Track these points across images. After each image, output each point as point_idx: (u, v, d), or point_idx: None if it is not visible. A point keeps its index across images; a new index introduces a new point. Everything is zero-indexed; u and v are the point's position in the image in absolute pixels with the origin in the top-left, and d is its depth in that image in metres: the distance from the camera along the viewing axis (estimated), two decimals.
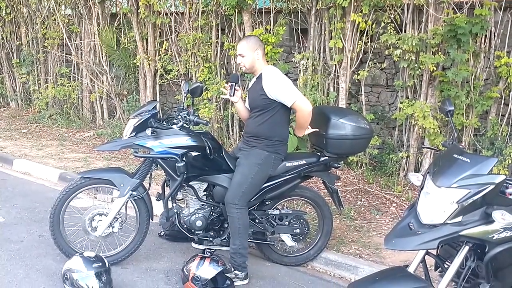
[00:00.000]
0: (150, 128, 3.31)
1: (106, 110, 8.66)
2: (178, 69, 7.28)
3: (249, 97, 3.58)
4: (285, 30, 6.22)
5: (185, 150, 3.35)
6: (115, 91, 8.33)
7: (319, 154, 3.67)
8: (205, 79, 6.89)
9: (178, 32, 7.21)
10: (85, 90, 8.82)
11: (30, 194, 5.23)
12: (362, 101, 5.99)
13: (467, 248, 2.30)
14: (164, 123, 3.50)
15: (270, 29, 6.28)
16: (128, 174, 3.50)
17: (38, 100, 9.28)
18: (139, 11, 7.46)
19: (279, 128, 3.47)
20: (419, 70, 5.26)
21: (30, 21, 9.44)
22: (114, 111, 8.57)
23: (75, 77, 8.92)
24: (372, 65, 5.81)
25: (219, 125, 7.05)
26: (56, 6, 8.77)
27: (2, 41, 9.99)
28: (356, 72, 5.80)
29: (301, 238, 3.79)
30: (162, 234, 4.04)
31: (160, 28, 7.57)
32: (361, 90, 5.96)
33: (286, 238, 3.72)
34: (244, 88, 6.35)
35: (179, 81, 7.46)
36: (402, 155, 5.49)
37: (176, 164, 3.29)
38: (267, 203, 3.68)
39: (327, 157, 3.62)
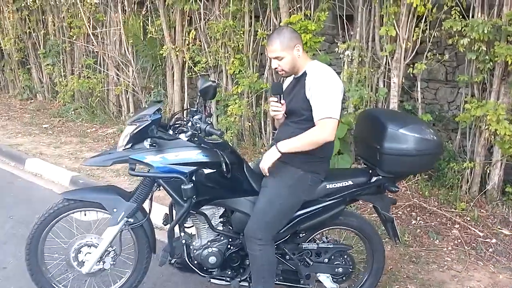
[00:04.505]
0: (149, 139, 2.56)
1: (132, 104, 8.05)
2: (207, 61, 6.54)
3: (286, 101, 2.77)
4: (328, 16, 5.37)
5: (195, 167, 2.59)
6: (140, 84, 7.68)
7: (370, 171, 2.84)
8: (236, 72, 6.13)
9: (208, 19, 6.46)
10: (111, 83, 8.23)
11: (33, 202, 4.61)
12: (417, 99, 5.08)
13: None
14: (170, 131, 2.75)
15: (310, 14, 5.44)
16: (124, 195, 2.76)
17: (61, 93, 8.75)
18: None
19: None
20: (491, 63, 4.33)
21: (56, 9, 8.91)
22: (141, 105, 7.93)
23: (100, 69, 8.32)
24: (432, 56, 4.88)
25: (250, 123, 6.29)
26: None
27: (29, 30, 9.52)
28: (412, 65, 4.90)
29: (344, 278, 2.97)
30: (172, 261, 3.28)
31: (189, 16, 6.85)
32: (417, 86, 5.06)
33: (325, 279, 2.91)
34: None
35: (209, 74, 6.73)
36: (467, 165, 4.56)
37: (182, 186, 2.53)
38: (301, 234, 2.88)
39: (380, 177, 2.79)
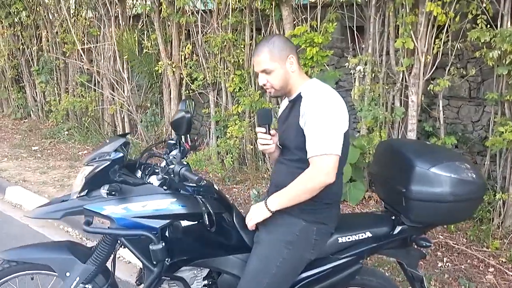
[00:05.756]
0: (107, 185, 1.98)
1: (128, 124, 7.52)
2: (205, 77, 6.00)
3: (280, 131, 2.22)
4: (336, 27, 4.82)
5: (168, 220, 2.02)
6: (135, 103, 7.16)
7: (392, 218, 2.26)
8: (236, 90, 5.59)
9: (205, 33, 5.94)
10: (106, 101, 7.72)
11: (3, 241, 4.06)
12: (439, 119, 4.49)
13: None
14: (139, 171, 2.19)
15: (317, 26, 4.90)
16: (81, 253, 2.18)
17: (53, 113, 8.25)
18: (161, 8, 6.26)
19: None
20: None
21: (49, 24, 8.46)
22: (137, 125, 7.40)
23: (94, 87, 7.81)
24: (455, 71, 4.30)
25: (253, 146, 5.71)
26: (76, 7, 7.78)
27: (22, 46, 9.07)
28: (432, 81, 4.33)
29: None
30: None
31: (186, 29, 6.34)
32: (438, 104, 4.47)
33: None
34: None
35: (207, 92, 6.19)
36: (499, 197, 3.95)
37: (151, 247, 1.96)
38: None
39: (406, 226, 2.21)
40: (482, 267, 3.62)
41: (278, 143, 2.25)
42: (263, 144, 2.17)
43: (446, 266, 3.64)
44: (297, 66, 2.14)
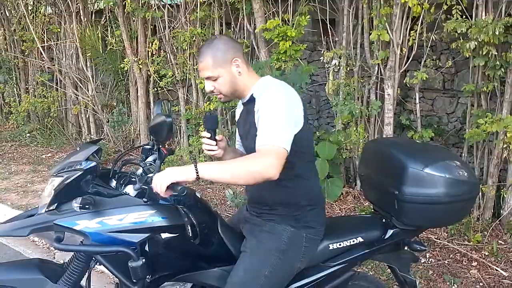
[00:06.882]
0: (79, 198, 1.79)
1: (94, 124, 7.23)
2: (174, 74, 5.80)
3: (241, 136, 2.10)
4: (308, 20, 4.70)
5: (147, 234, 1.85)
6: (100, 102, 6.88)
7: (383, 220, 2.15)
8: None
9: (173, 28, 5.74)
10: (69, 101, 7.41)
11: None
12: (415, 112, 4.44)
13: None
14: (113, 181, 2.00)
15: (289, 19, 4.77)
16: (51, 273, 1.97)
17: (13, 115, 7.89)
18: (125, 3, 6.01)
19: (303, 182, 1.99)
20: (502, 69, 3.72)
21: (6, 22, 8.07)
22: (103, 125, 7.12)
23: (56, 87, 7.48)
24: (431, 62, 4.25)
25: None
26: (34, 3, 7.43)
27: None
28: (409, 74, 4.26)
29: None
30: None
31: (152, 25, 6.12)
32: (415, 97, 4.41)
33: None
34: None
35: (176, 89, 5.99)
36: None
37: (130, 264, 1.79)
38: None
39: (398, 230, 2.10)
40: (465, 262, 3.57)
41: (238, 148, 2.21)
42: (208, 150, 2.09)
43: (429, 262, 3.58)
44: (245, 67, 1.98)
